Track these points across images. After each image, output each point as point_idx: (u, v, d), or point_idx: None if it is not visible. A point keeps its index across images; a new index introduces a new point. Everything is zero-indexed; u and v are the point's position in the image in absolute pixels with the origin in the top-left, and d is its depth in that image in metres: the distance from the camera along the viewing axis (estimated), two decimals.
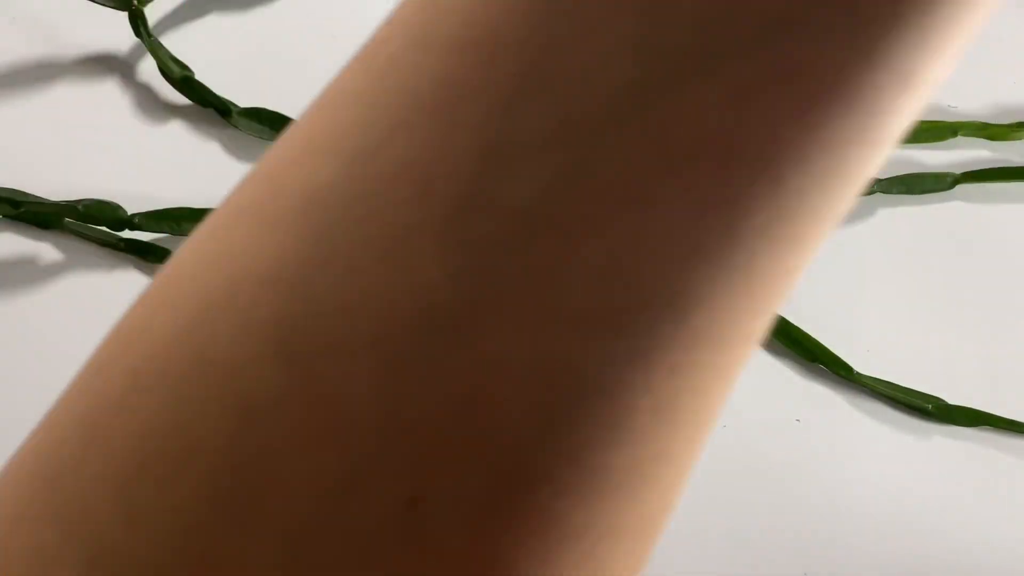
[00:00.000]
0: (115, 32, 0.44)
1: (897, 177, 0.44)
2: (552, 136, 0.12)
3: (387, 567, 0.13)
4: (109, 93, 0.43)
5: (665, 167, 0.12)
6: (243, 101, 0.44)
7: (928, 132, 0.44)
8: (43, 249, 0.40)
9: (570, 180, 0.12)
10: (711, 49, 0.11)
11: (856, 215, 0.43)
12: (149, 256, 0.40)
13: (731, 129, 0.12)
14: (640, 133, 0.12)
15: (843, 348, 0.41)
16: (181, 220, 0.40)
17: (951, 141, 0.45)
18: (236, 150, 0.45)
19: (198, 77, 0.44)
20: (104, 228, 0.40)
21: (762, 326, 0.14)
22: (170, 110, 0.46)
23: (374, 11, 0.41)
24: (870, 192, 0.43)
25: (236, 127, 0.45)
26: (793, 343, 0.41)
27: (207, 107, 0.45)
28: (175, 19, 0.45)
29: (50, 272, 0.40)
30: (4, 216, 0.39)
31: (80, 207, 0.39)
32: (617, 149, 0.12)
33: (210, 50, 0.45)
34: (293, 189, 0.13)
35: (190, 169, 0.43)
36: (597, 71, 0.12)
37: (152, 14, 0.44)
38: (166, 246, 0.40)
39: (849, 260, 0.43)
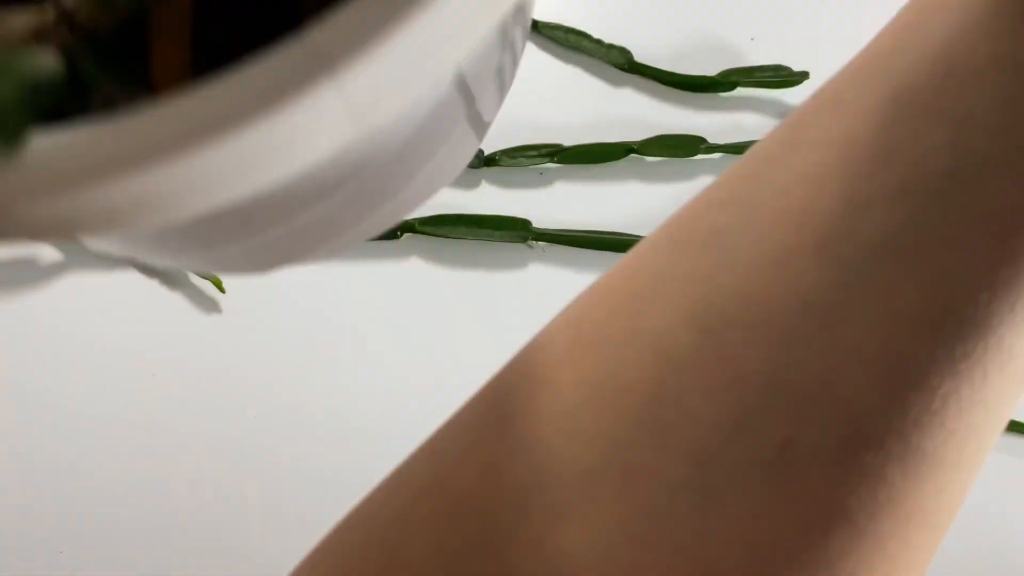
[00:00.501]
0: None
1: None
2: (898, 194, 0.17)
3: (761, 493, 0.17)
4: None
5: (978, 222, 0.17)
6: None
7: None
8: (43, 250, 0.40)
9: (910, 226, 0.17)
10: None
11: None
12: None
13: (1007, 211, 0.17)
14: (960, 198, 0.17)
15: None
16: None
17: None
18: None
19: None
20: None
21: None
22: None
23: None
24: None
25: None
26: None
27: None
28: None
29: (50, 272, 0.40)
30: None
31: None
32: (946, 207, 0.17)
33: None
34: (699, 228, 0.19)
35: None
36: (927, 157, 0.17)
37: None
38: None
39: None
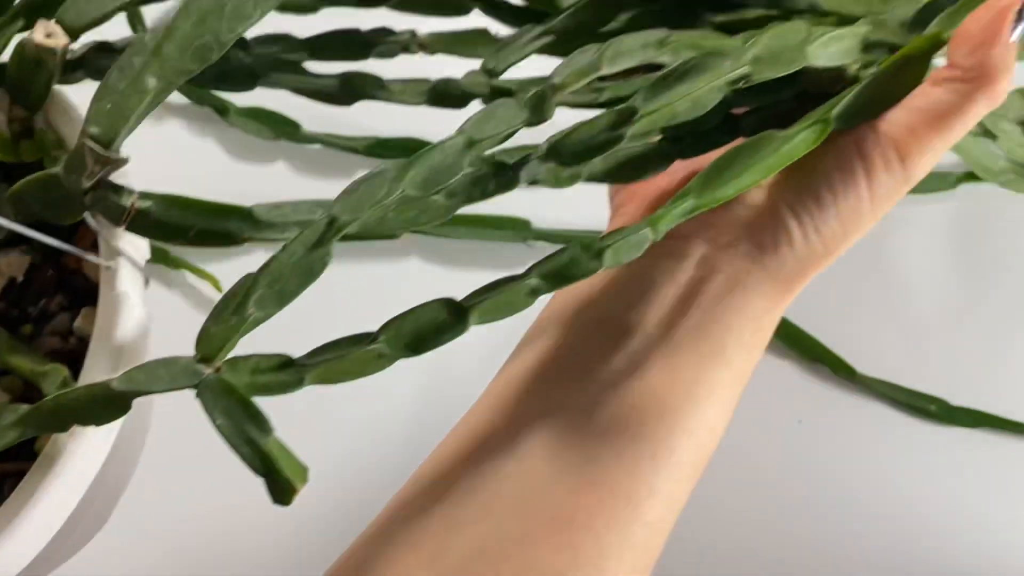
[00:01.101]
0: (112, 29, 0.44)
1: None
2: (481, 514, 0.25)
3: None
4: None
5: (544, 526, 0.24)
6: (240, 101, 0.44)
7: None
8: None
9: (492, 537, 0.24)
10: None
11: None
12: None
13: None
14: (529, 509, 0.24)
15: (845, 349, 0.40)
16: None
17: None
18: (233, 148, 0.45)
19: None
20: None
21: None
22: (167, 108, 0.46)
23: (370, 14, 0.41)
24: None
25: (233, 126, 0.44)
26: (795, 344, 0.41)
27: (204, 106, 0.45)
28: None
29: None
30: None
31: None
32: (519, 518, 0.24)
33: None
34: (350, 565, 0.25)
35: (187, 167, 0.43)
36: (503, 483, 0.25)
37: (149, 12, 0.44)
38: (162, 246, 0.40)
39: (850, 261, 0.42)
